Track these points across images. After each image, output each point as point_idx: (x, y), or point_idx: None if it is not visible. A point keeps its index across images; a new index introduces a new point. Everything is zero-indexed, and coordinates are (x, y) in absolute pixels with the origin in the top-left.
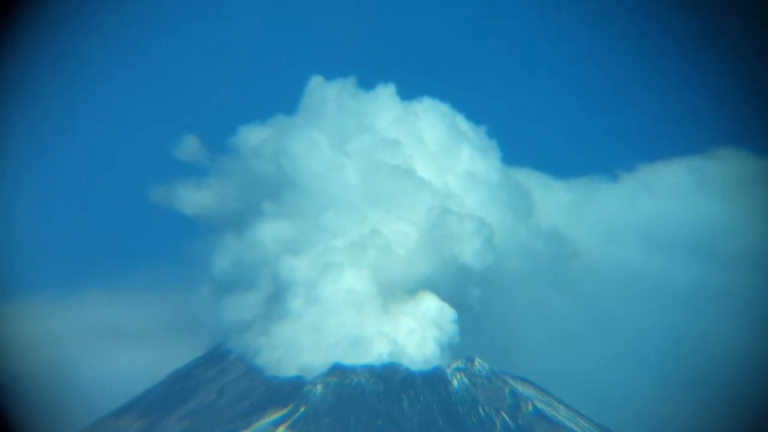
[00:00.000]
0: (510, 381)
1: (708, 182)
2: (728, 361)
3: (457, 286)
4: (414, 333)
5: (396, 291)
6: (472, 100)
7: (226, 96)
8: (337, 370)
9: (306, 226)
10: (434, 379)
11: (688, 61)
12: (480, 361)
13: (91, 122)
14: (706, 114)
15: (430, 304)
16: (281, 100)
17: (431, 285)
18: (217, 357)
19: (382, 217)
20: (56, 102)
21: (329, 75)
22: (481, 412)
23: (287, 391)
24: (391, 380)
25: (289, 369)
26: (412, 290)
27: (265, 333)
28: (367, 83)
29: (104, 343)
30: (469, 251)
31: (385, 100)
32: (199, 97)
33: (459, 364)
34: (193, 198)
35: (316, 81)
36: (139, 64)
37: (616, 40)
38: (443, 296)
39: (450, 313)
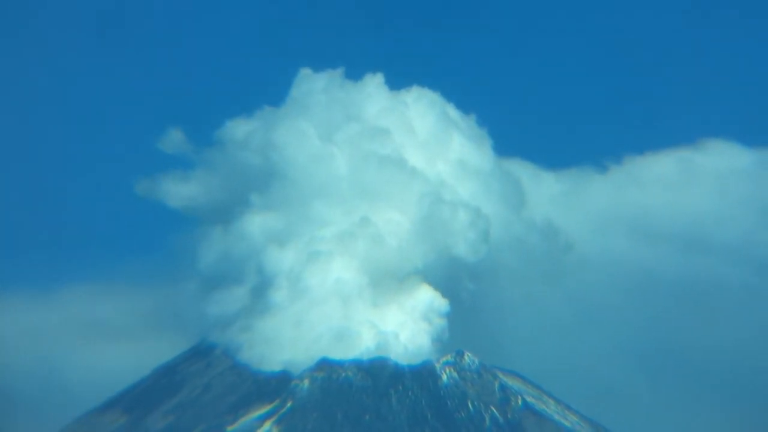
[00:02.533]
0: (500, 375)
1: (697, 174)
2: (718, 354)
3: (449, 278)
4: (404, 325)
5: (386, 281)
6: (462, 89)
7: (212, 88)
8: (324, 364)
9: (294, 216)
10: (423, 373)
11: (675, 54)
12: (470, 354)
13: (73, 114)
14: (695, 105)
15: (422, 296)
16: (268, 91)
17: (423, 276)
18: (202, 351)
19: (373, 207)
20: (39, 95)
21: (317, 66)
22: (470, 406)
23: (274, 386)
24: (379, 375)
25: (275, 363)
26: (404, 281)
27: (251, 327)
28: (355, 73)
29: (88, 338)
30: (463, 242)
31: (373, 90)
32: (184, 90)
33: (448, 358)
34: (179, 191)
35: (303, 72)
36: (123, 55)
37: (605, 32)
38: (435, 288)
39: (442, 304)
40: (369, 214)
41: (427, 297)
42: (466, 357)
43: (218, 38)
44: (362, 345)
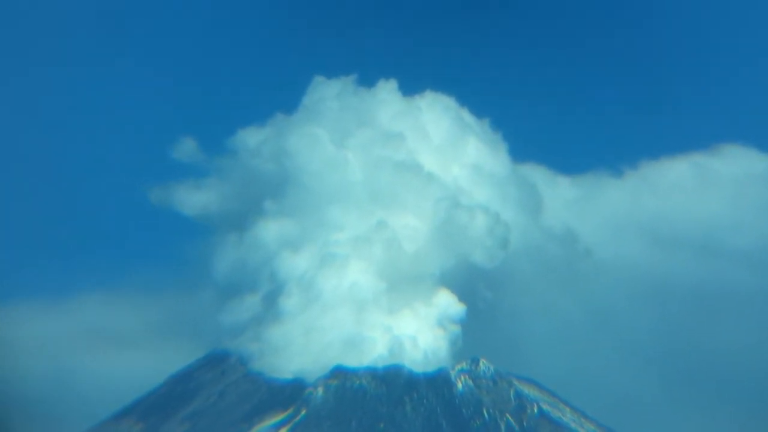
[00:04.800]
0: (515, 382)
1: (712, 179)
2: (735, 360)
3: (466, 284)
4: (419, 332)
5: (402, 287)
6: (475, 93)
7: (224, 97)
8: (338, 372)
9: (309, 222)
10: (438, 381)
11: (692, 58)
12: (485, 362)
13: (86, 123)
14: (711, 110)
15: (438, 301)
16: (280, 99)
17: (441, 281)
18: (216, 359)
19: (389, 212)
20: (52, 104)
21: (330, 73)
22: (486, 414)
23: (288, 394)
24: (393, 383)
25: (289, 371)
26: (420, 286)
27: (265, 335)
28: (368, 79)
29: (103, 346)
30: (480, 249)
31: (386, 96)
32: (197, 99)
33: (464, 365)
34: (193, 199)
35: (317, 79)
36: (135, 64)
37: (621, 37)
38: (453, 293)
39: (458, 310)
40: (385, 219)
41: (443, 302)
42: (481, 364)
43: (230, 47)
44: (376, 352)
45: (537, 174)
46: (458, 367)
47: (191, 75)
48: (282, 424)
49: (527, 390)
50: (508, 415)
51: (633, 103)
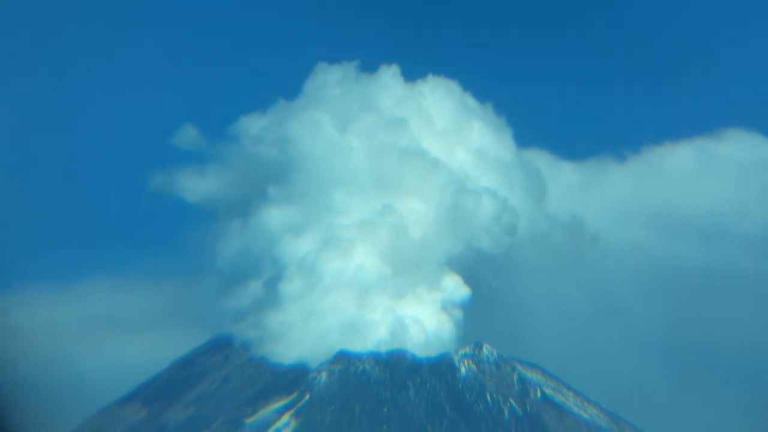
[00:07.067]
0: (518, 367)
1: (716, 164)
2: (738, 345)
3: (472, 268)
4: (423, 316)
5: (407, 271)
6: (478, 77)
7: (225, 84)
8: (341, 357)
9: (314, 208)
10: (441, 366)
11: (695, 42)
12: (488, 346)
13: (89, 112)
14: (714, 95)
15: (444, 285)
16: (282, 85)
17: (447, 264)
18: (220, 345)
19: (393, 196)
20: (55, 92)
21: (332, 59)
22: (489, 399)
23: (292, 379)
24: (397, 367)
25: (293, 356)
26: (425, 271)
27: (269, 320)
28: (370, 65)
29: (107, 331)
30: (486, 234)
31: (388, 81)
32: (198, 86)
33: (467, 350)
34: (196, 185)
35: (319, 65)
36: (136, 52)
37: (624, 20)
38: (459, 276)
39: (464, 293)
40: (391, 203)
41: (449, 286)
42: (484, 349)
43: (231, 33)
44: (378, 335)
45: (540, 159)
46: (461, 351)
47: (193, 62)
48: (286, 408)
49: (530, 375)
50: (511, 399)
51: (636, 88)
